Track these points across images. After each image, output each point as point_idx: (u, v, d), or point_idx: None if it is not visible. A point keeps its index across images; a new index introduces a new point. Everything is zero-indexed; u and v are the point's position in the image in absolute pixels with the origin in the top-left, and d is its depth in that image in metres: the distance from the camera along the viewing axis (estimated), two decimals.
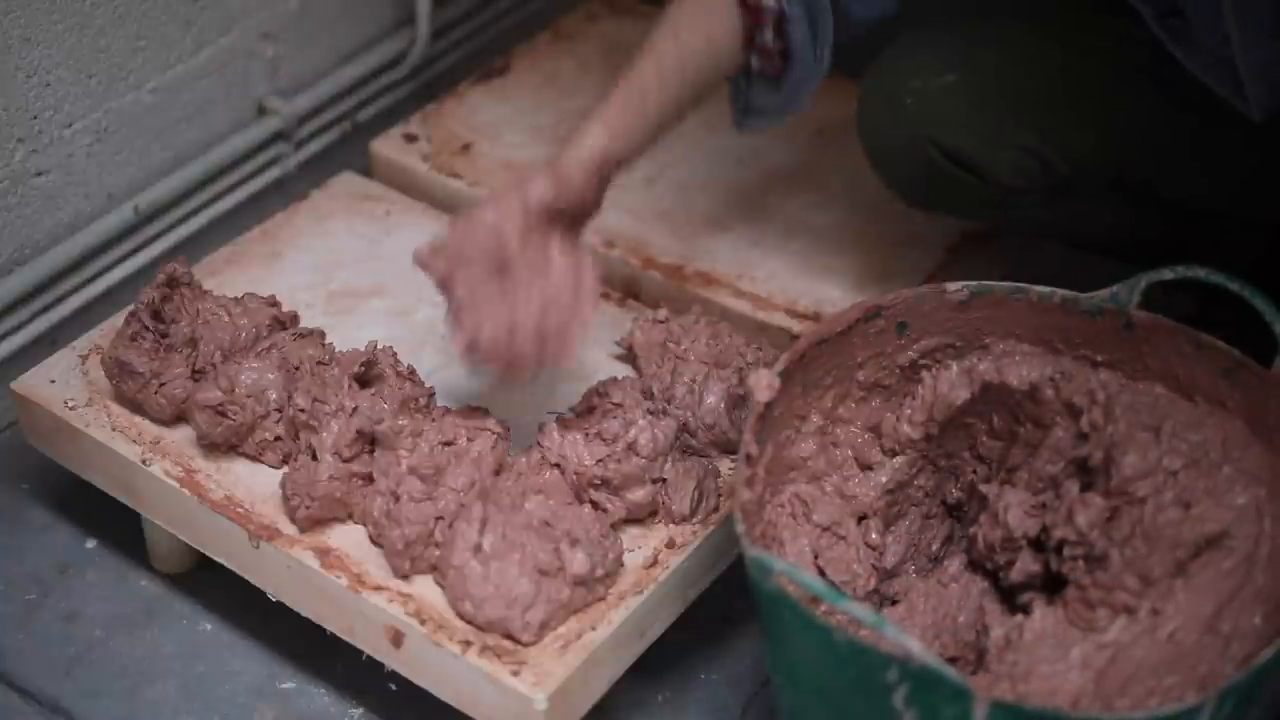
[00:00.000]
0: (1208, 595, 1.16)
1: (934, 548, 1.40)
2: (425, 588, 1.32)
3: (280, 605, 1.39)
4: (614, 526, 1.35)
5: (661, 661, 1.44)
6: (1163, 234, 1.57)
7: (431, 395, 1.42)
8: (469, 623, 1.29)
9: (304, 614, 1.37)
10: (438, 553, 1.31)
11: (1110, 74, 1.47)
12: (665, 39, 1.37)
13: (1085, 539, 1.22)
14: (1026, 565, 1.28)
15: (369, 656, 1.35)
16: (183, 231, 1.83)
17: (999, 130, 1.48)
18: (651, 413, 1.39)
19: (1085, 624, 1.19)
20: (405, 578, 1.32)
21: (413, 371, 1.42)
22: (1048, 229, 1.60)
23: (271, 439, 1.40)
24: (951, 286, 1.34)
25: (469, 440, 1.36)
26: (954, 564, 1.36)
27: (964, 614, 1.33)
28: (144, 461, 1.41)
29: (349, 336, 1.50)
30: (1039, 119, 1.48)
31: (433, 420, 1.38)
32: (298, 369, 1.43)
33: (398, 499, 1.32)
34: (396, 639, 1.30)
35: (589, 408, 1.40)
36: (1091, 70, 1.48)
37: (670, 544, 1.36)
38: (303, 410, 1.37)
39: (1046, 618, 1.20)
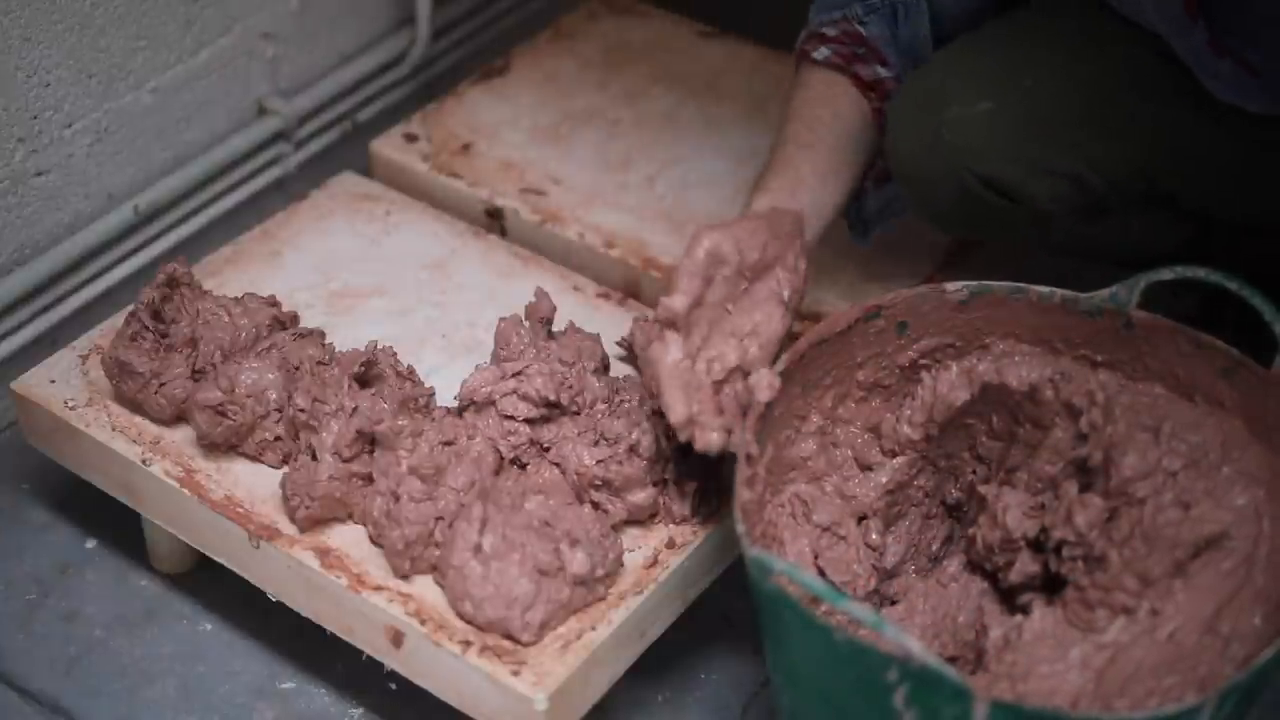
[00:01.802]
0: (1207, 596, 1.16)
1: (934, 548, 1.40)
2: (425, 588, 1.32)
3: (280, 605, 1.39)
4: (614, 527, 1.35)
5: (661, 661, 1.44)
6: (1189, 243, 1.56)
7: (431, 395, 1.42)
8: (469, 623, 1.29)
9: (304, 614, 1.37)
10: (438, 553, 1.31)
11: (1141, 87, 1.45)
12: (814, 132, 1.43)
13: (1084, 539, 1.22)
14: (1025, 566, 1.28)
15: (369, 656, 1.35)
16: (183, 231, 1.83)
17: (1037, 157, 1.45)
18: (655, 413, 1.39)
19: (1084, 625, 1.19)
20: (405, 578, 1.32)
21: (413, 371, 1.42)
22: (1079, 247, 1.58)
23: (271, 439, 1.40)
24: (951, 286, 1.34)
25: (469, 440, 1.36)
26: (953, 564, 1.36)
27: (963, 614, 1.33)
28: (144, 461, 1.41)
29: (349, 336, 1.50)
30: (1076, 142, 1.45)
31: (433, 420, 1.38)
32: (298, 369, 1.43)
33: (398, 499, 1.32)
34: (396, 639, 1.31)
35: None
36: (1123, 85, 1.45)
37: (670, 544, 1.36)
38: (303, 410, 1.37)
39: (1046, 618, 1.20)
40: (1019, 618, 1.23)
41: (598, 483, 1.35)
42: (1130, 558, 1.18)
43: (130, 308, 1.46)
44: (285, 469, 1.39)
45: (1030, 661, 1.18)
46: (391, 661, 1.33)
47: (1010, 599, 1.31)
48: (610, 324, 1.55)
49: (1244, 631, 1.15)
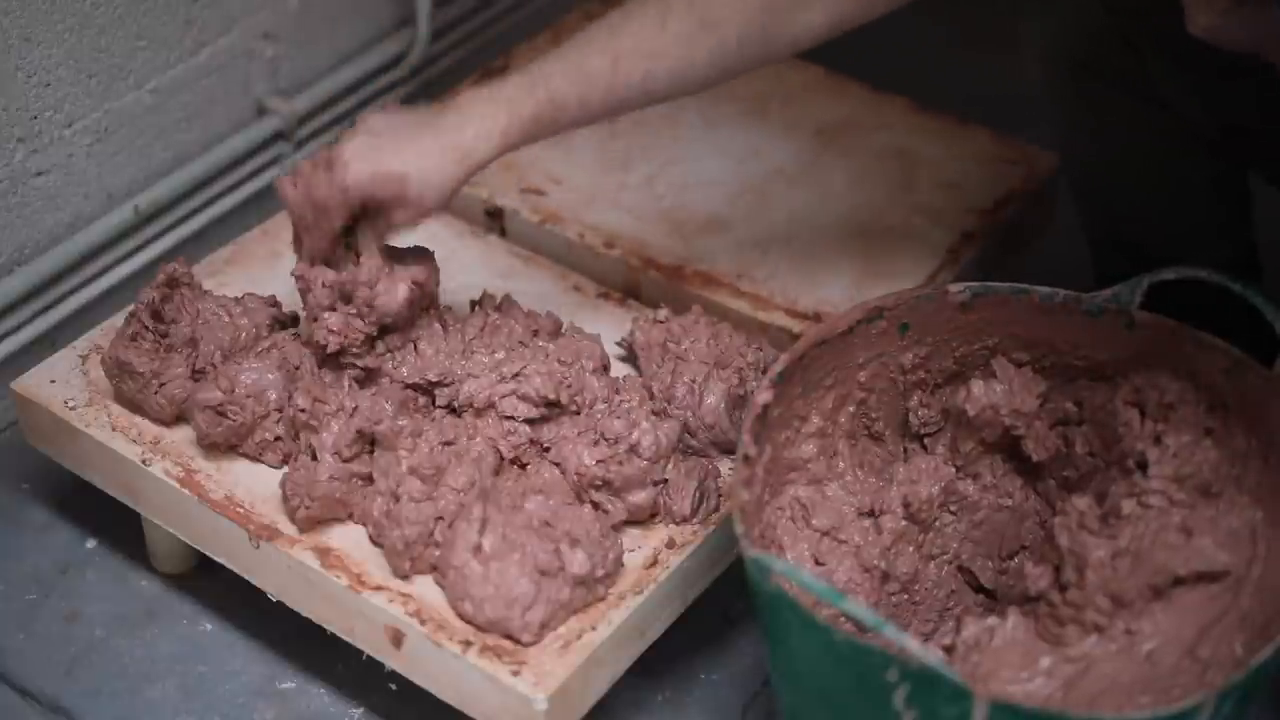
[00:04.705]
0: (1190, 618, 1.16)
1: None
2: (425, 588, 1.32)
3: (280, 605, 1.39)
4: (614, 527, 1.35)
5: (661, 661, 1.44)
6: None
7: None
8: (469, 623, 1.29)
9: (304, 614, 1.37)
10: (438, 553, 1.31)
11: None
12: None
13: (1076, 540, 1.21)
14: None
15: (369, 656, 1.35)
16: (183, 231, 1.83)
17: None
18: (655, 414, 1.39)
19: (1053, 640, 1.18)
20: (405, 578, 1.32)
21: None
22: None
23: (271, 439, 1.40)
24: (953, 287, 1.34)
25: (469, 440, 1.36)
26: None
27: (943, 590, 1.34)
28: (144, 461, 1.41)
29: None
30: None
31: (433, 420, 1.38)
32: (298, 369, 1.43)
33: (398, 499, 1.32)
34: (396, 639, 1.30)
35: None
36: None
37: (670, 544, 1.36)
38: (303, 410, 1.37)
39: (1018, 627, 1.19)
40: (993, 619, 1.22)
41: (598, 483, 1.35)
42: (1109, 577, 1.17)
43: (130, 308, 1.46)
44: (285, 469, 1.39)
45: (995, 665, 1.17)
46: (391, 661, 1.33)
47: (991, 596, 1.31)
48: (610, 324, 1.55)
49: (1223, 658, 1.14)
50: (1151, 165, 1.53)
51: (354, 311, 1.40)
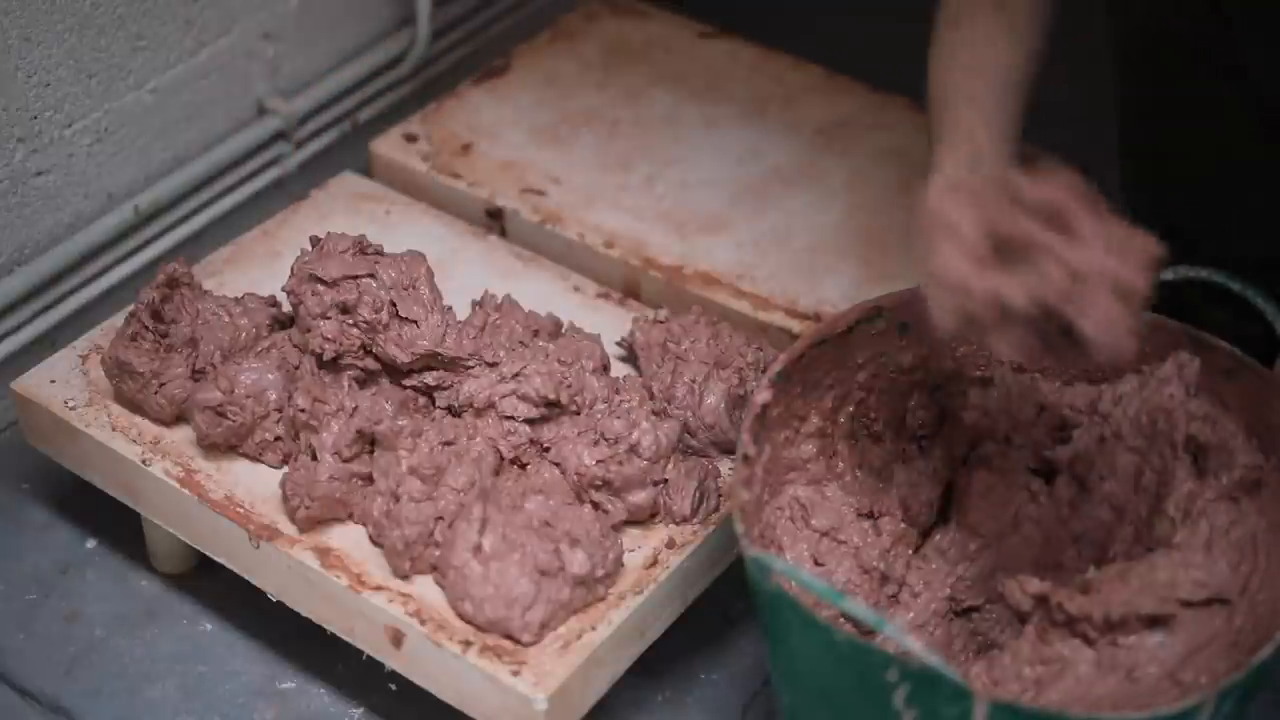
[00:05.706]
0: (1181, 640, 1.13)
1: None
2: (425, 588, 1.32)
3: (280, 605, 1.39)
4: (614, 527, 1.35)
5: (661, 661, 1.44)
6: None
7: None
8: (469, 623, 1.29)
9: (304, 614, 1.37)
10: (438, 553, 1.31)
11: None
12: None
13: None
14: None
15: (369, 656, 1.35)
16: (183, 231, 1.83)
17: None
18: (655, 414, 1.39)
19: (1049, 646, 1.18)
20: (405, 578, 1.32)
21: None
22: None
23: (271, 439, 1.40)
24: None
25: (469, 440, 1.36)
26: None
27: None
28: (144, 461, 1.41)
29: None
30: None
31: (433, 420, 1.38)
32: (297, 369, 1.43)
33: (398, 499, 1.32)
34: (396, 639, 1.31)
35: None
36: None
37: (670, 544, 1.36)
38: (303, 410, 1.37)
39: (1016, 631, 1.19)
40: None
41: (598, 483, 1.35)
42: (1107, 593, 1.16)
43: (130, 308, 1.46)
44: (285, 469, 1.39)
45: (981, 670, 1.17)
46: (391, 661, 1.33)
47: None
48: (610, 324, 1.55)
49: (1205, 686, 1.12)
50: (1216, 148, 1.51)
51: (350, 321, 1.40)
